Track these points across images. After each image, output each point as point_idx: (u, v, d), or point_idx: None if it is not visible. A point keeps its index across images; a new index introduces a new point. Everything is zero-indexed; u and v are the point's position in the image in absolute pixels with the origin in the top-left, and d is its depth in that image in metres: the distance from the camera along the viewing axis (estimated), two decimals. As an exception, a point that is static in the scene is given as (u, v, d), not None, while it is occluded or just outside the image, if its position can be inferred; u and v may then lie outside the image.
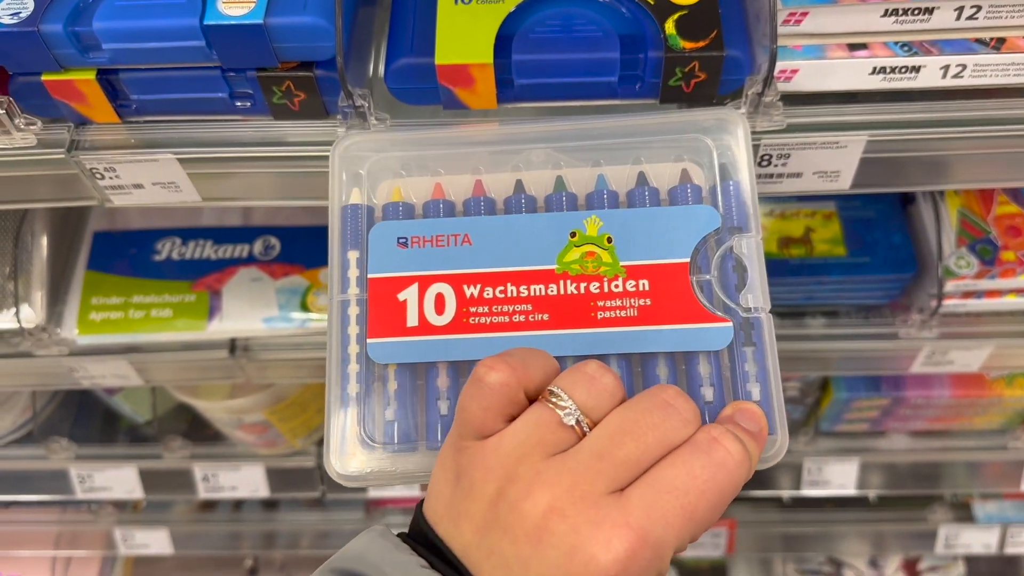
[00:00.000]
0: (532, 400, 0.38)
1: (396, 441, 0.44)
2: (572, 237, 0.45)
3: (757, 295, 0.44)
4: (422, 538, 0.38)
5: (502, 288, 0.44)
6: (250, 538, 1.24)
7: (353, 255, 0.46)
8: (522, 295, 0.44)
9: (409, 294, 0.44)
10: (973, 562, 1.30)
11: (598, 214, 0.45)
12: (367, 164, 0.48)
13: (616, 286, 0.44)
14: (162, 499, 1.20)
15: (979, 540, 1.20)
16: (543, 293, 0.44)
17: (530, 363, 0.38)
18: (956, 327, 0.75)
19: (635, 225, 0.45)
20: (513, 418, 0.37)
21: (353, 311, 0.45)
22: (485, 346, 0.43)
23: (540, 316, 0.44)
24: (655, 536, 0.33)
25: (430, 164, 0.48)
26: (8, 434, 1.03)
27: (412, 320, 0.44)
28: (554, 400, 0.36)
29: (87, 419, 1.09)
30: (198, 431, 1.05)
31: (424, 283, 0.45)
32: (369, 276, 0.45)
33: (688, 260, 0.44)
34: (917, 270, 0.75)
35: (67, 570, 1.30)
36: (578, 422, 0.36)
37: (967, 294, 0.73)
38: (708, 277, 0.44)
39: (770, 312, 0.44)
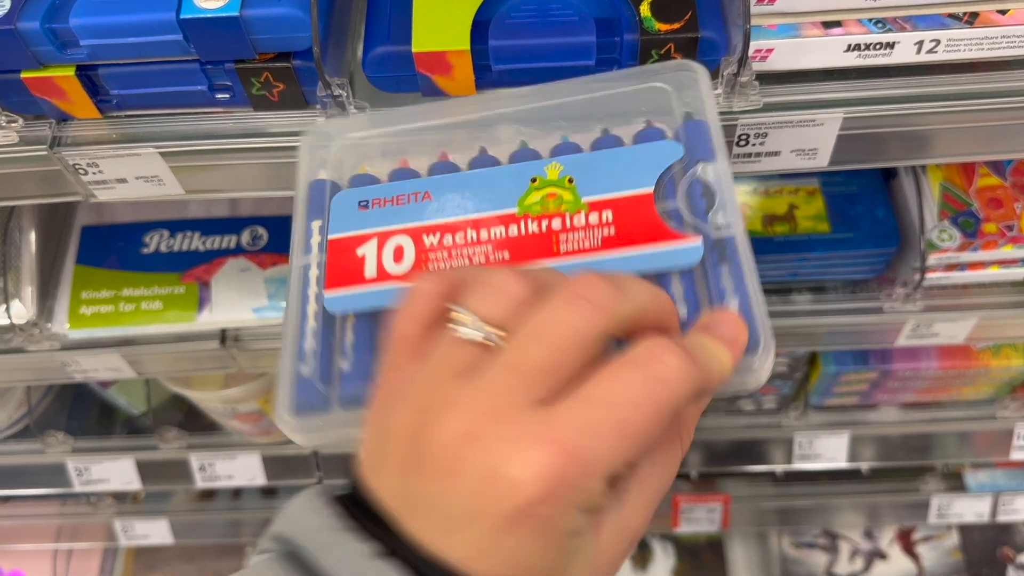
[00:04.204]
0: None
1: (354, 398, 0.41)
2: (532, 182, 0.43)
3: (728, 212, 0.40)
4: (354, 493, 0.34)
5: (462, 234, 0.43)
6: (250, 525, 1.24)
7: (316, 223, 0.45)
8: (482, 239, 0.42)
9: (368, 249, 0.43)
10: (967, 530, 1.31)
11: (559, 160, 0.44)
12: (332, 152, 0.47)
13: (578, 220, 0.42)
14: (161, 489, 1.20)
15: (971, 509, 1.21)
16: (503, 235, 0.42)
17: (466, 273, 0.34)
18: (940, 300, 0.76)
19: (596, 165, 0.43)
20: None
21: (313, 274, 0.44)
22: None
23: (500, 255, 0.42)
24: (584, 450, 0.29)
25: (396, 149, 0.47)
26: (4, 429, 1.04)
27: (370, 272, 0.43)
28: (452, 315, 0.32)
29: (82, 412, 1.09)
30: (193, 421, 1.05)
31: (383, 237, 0.43)
32: (329, 237, 0.44)
33: (652, 190, 0.42)
34: (900, 244, 0.75)
35: (69, 562, 1.31)
36: (485, 335, 0.31)
37: (950, 267, 0.73)
38: (675, 204, 0.42)
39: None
